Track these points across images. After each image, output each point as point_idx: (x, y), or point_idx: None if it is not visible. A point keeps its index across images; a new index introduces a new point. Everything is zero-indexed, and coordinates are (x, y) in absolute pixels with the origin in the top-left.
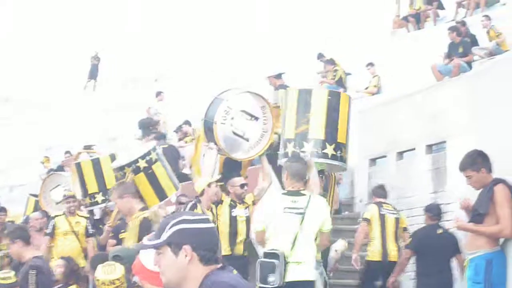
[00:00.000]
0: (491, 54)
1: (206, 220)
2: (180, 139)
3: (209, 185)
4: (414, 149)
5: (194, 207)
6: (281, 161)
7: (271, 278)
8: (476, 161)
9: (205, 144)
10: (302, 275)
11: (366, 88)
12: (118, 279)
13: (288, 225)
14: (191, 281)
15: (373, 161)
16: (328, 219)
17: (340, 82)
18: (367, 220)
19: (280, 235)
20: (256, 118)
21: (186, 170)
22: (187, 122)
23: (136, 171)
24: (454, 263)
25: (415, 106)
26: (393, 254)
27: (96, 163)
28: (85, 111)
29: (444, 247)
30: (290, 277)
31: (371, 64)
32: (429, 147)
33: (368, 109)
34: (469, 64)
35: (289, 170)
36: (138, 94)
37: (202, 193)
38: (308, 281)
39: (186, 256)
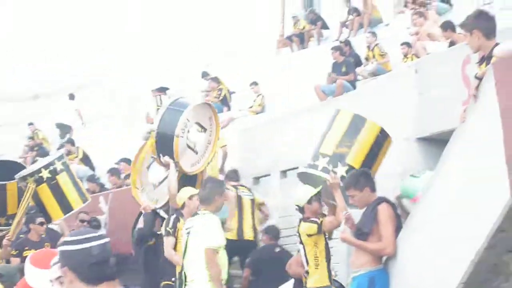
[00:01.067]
0: (374, 74)
1: (87, 240)
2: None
3: (190, 198)
4: (297, 167)
5: (176, 220)
6: (306, 169)
7: None
8: (359, 180)
9: (153, 156)
10: None
11: (251, 107)
12: None
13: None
14: None
15: (256, 179)
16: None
17: (225, 101)
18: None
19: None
20: (205, 130)
21: None
22: (70, 141)
23: (39, 181)
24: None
25: (299, 125)
26: (248, 233)
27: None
28: None
29: (282, 263)
30: None
31: (254, 83)
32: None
33: (251, 127)
34: (353, 83)
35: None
36: (18, 111)
37: (183, 206)
38: None
39: (67, 277)
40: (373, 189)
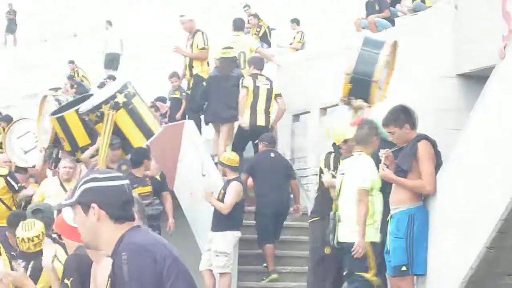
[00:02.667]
0: (414, 10)
1: (117, 178)
2: None
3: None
4: (337, 105)
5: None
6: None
7: None
8: (399, 117)
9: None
10: None
11: (290, 44)
12: (37, 236)
13: None
14: (105, 239)
15: (296, 117)
16: None
17: (265, 38)
18: (246, 88)
19: None
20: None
21: None
22: (111, 77)
23: (116, 107)
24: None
25: (338, 63)
26: (260, 120)
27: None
28: (5, 67)
29: (277, 168)
30: None
31: (295, 21)
32: None
33: (291, 64)
34: (390, 19)
35: None
36: (58, 50)
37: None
38: None
39: (94, 214)
40: (413, 127)
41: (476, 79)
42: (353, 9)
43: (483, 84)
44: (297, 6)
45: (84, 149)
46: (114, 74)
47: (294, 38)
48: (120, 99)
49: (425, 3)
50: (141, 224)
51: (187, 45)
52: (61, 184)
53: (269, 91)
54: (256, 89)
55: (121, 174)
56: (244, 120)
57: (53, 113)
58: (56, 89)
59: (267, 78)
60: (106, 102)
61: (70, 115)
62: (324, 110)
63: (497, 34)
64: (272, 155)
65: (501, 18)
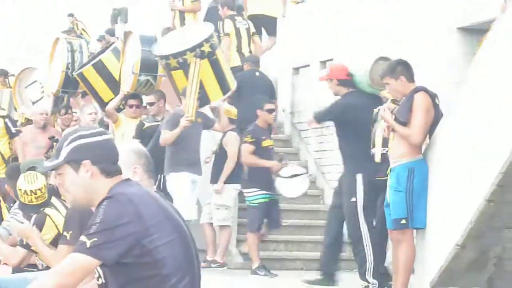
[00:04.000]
0: None
1: (103, 133)
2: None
3: None
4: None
5: None
6: None
7: None
8: (395, 69)
9: None
10: None
11: None
12: (39, 189)
13: None
14: (97, 195)
15: (296, 70)
16: None
17: None
18: (227, 34)
19: None
20: None
21: None
22: (109, 31)
23: (202, 56)
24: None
25: (339, 16)
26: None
27: (100, 67)
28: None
29: (261, 86)
30: None
31: None
32: None
33: (290, 17)
34: None
35: None
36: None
37: None
38: None
39: (87, 171)
40: (409, 79)
41: (478, 32)
42: None
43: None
44: None
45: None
46: (123, 26)
47: None
48: (206, 48)
49: None
50: (146, 177)
51: None
52: None
53: (248, 31)
54: (237, 31)
55: (104, 130)
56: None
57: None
58: (68, 32)
59: (243, 18)
60: (192, 49)
61: (88, 70)
62: (323, 63)
63: None
64: (257, 74)
65: None
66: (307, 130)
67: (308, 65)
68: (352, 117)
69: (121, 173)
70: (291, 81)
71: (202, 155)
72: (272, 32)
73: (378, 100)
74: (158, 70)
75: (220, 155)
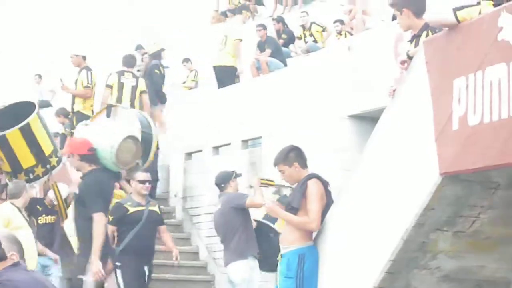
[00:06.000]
0: (308, 51)
1: None
2: None
3: None
4: (229, 144)
5: None
6: None
7: None
8: (288, 156)
9: None
10: None
11: (184, 83)
12: None
13: None
14: None
15: (189, 155)
16: None
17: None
18: (110, 86)
19: None
20: None
21: None
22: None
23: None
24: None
25: (232, 101)
26: None
27: (25, 129)
28: None
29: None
30: None
31: (187, 60)
32: (245, 142)
33: (184, 103)
34: (284, 61)
35: None
36: None
37: None
38: None
39: None
40: (303, 166)
41: (369, 120)
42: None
43: (375, 125)
44: (188, 46)
45: (28, 170)
46: None
47: (187, 77)
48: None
49: (318, 44)
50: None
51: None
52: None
53: (134, 88)
54: (120, 85)
55: None
56: None
57: None
58: None
59: (134, 75)
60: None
61: (13, 134)
62: (216, 149)
63: (390, 75)
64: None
65: (393, 60)
66: (199, 215)
67: (201, 150)
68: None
69: (5, 259)
70: (183, 166)
71: None
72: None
73: (118, 178)
74: None
75: None
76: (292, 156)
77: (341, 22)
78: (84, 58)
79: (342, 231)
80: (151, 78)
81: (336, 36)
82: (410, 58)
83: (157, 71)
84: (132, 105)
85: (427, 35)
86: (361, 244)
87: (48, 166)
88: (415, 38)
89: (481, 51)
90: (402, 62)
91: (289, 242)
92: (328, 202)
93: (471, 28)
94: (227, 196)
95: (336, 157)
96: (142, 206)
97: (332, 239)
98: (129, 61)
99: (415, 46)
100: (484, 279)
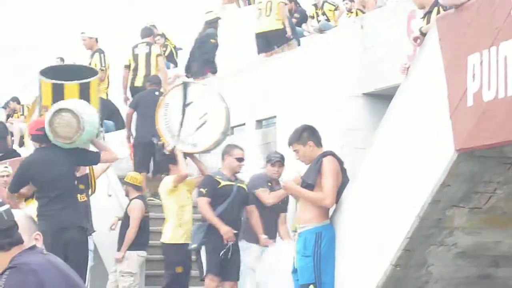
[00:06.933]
0: (320, 30)
1: None
2: (8, 116)
3: None
4: (244, 124)
5: None
6: None
7: None
8: (302, 135)
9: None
10: None
11: None
12: None
13: None
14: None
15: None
16: None
17: (172, 58)
18: (127, 66)
19: None
20: None
21: (15, 147)
22: (15, 99)
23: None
24: None
25: (245, 82)
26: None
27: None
28: None
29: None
30: None
31: None
32: (259, 122)
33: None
34: (298, 39)
35: None
36: None
37: None
38: None
39: None
40: (317, 144)
41: (382, 98)
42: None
43: (388, 103)
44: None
45: None
46: None
47: None
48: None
49: (330, 22)
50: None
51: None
52: None
53: (148, 55)
54: (135, 57)
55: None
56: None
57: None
58: None
59: (147, 43)
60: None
61: (72, 86)
62: (231, 129)
63: (403, 53)
64: (156, 93)
65: (406, 37)
66: None
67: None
68: (35, 174)
69: (21, 242)
70: None
71: (107, 222)
72: None
73: (76, 154)
74: None
75: (125, 222)
76: (306, 135)
77: None
78: (96, 40)
79: (359, 210)
80: (204, 46)
81: (347, 14)
82: (423, 34)
83: (213, 40)
84: (148, 71)
85: (438, 11)
86: (377, 222)
87: None
88: (427, 14)
89: (494, 26)
90: (415, 39)
91: (305, 221)
92: (344, 181)
93: (483, 4)
94: None
95: (350, 135)
96: (232, 181)
97: (348, 217)
98: (144, 31)
99: (427, 23)
100: (501, 255)
